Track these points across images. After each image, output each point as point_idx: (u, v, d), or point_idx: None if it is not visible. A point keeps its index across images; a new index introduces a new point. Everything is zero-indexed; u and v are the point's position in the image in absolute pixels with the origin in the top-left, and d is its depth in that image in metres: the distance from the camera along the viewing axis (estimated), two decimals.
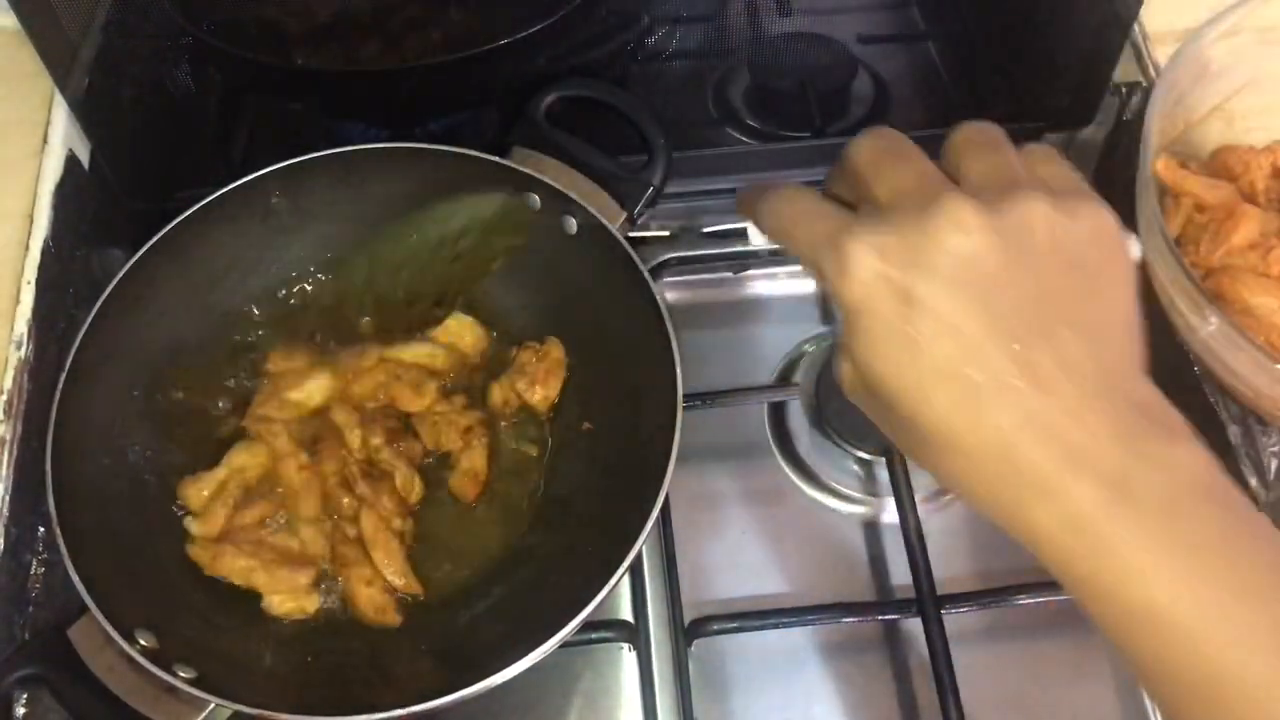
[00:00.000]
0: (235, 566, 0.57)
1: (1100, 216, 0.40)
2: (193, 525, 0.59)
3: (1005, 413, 0.37)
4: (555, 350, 0.64)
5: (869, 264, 0.38)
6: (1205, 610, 0.35)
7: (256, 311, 0.66)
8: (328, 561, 0.59)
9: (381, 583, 0.58)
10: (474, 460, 0.62)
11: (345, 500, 0.60)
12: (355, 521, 0.59)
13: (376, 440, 0.61)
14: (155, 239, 0.60)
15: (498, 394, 0.64)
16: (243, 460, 0.60)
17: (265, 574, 0.57)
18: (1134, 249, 0.42)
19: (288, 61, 0.72)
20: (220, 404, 0.64)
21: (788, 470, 0.68)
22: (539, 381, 0.63)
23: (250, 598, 0.58)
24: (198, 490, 0.59)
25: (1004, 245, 0.38)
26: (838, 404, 0.68)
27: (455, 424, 0.62)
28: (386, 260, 0.67)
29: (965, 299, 0.37)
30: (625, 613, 0.62)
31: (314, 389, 0.63)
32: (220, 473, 0.60)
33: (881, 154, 0.42)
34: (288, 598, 0.58)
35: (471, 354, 0.66)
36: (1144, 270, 0.62)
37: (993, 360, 0.37)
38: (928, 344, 0.37)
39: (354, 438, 0.62)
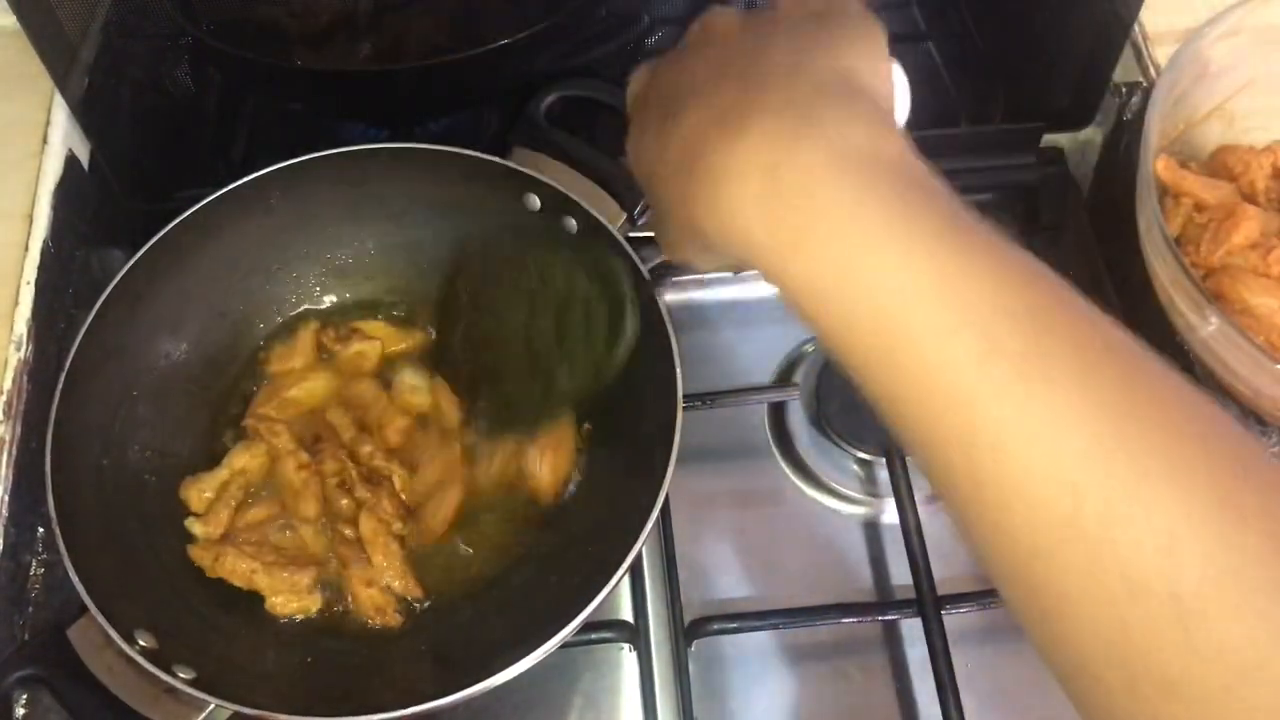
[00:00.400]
0: (237, 568, 0.57)
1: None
2: (195, 527, 0.59)
3: (696, 114, 0.40)
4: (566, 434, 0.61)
5: (633, 80, 0.48)
6: (860, 276, 0.35)
7: (258, 310, 0.66)
8: (329, 561, 0.59)
9: (381, 584, 0.58)
10: (441, 510, 0.60)
11: (344, 501, 0.60)
12: (355, 523, 0.59)
13: (368, 448, 0.61)
14: (155, 239, 0.60)
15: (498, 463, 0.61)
16: (244, 461, 0.60)
17: (267, 575, 0.57)
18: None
19: (288, 61, 0.72)
20: (220, 404, 0.64)
21: (787, 470, 0.68)
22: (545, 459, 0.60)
23: (250, 598, 0.58)
24: (199, 491, 0.59)
25: (739, 19, 0.44)
26: (838, 404, 0.68)
27: (434, 461, 0.61)
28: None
29: (699, 61, 0.43)
30: (625, 613, 0.62)
31: (313, 388, 0.63)
32: (222, 474, 0.60)
33: None
34: (290, 598, 0.57)
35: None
36: (1142, 268, 0.62)
37: (713, 84, 0.41)
38: (667, 100, 0.43)
39: (350, 438, 0.61)
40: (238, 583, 0.57)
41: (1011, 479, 0.32)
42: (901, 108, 0.48)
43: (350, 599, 0.58)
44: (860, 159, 0.37)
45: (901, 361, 0.34)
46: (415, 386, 0.64)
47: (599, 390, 0.56)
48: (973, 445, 0.33)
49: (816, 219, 0.36)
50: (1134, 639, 0.30)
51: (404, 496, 0.61)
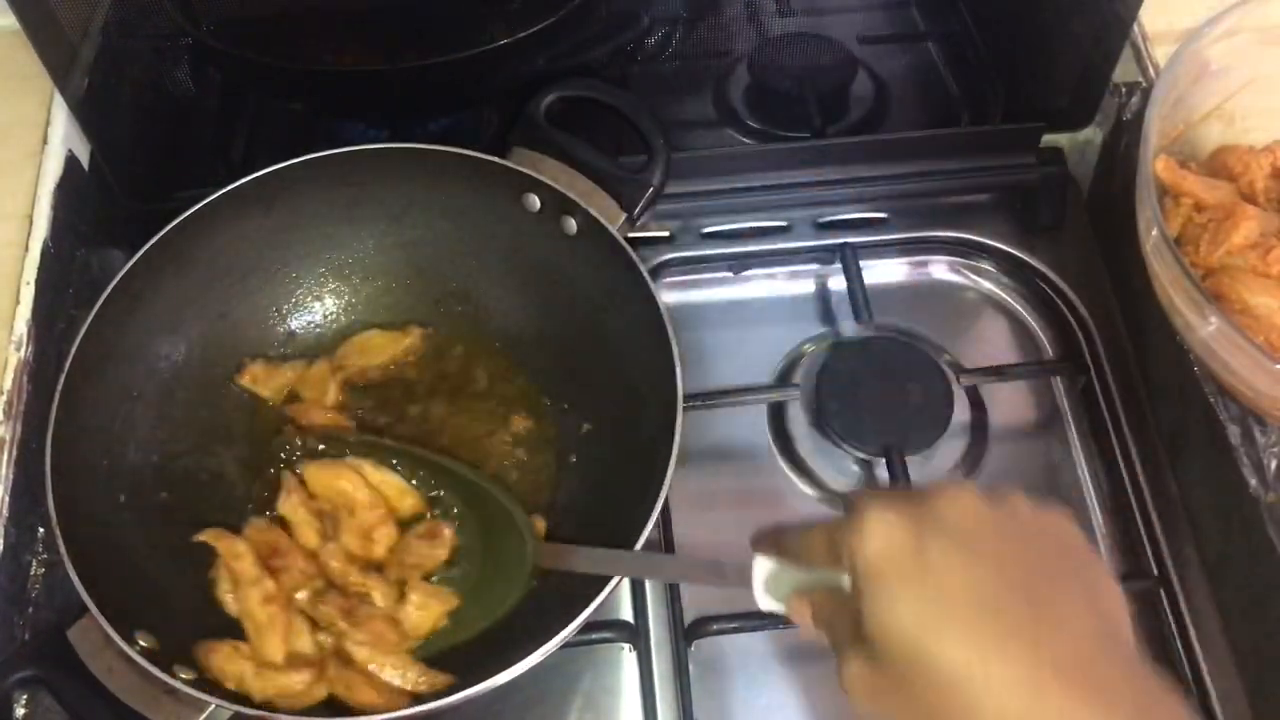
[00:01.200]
0: (226, 669, 0.53)
1: (1067, 521, 0.43)
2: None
3: (1025, 651, 0.37)
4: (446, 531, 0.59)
5: (883, 529, 0.40)
6: None
7: (257, 310, 0.66)
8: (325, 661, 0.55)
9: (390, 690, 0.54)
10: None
11: (322, 609, 0.56)
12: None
13: (337, 562, 0.57)
14: (155, 239, 0.60)
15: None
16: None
17: (260, 680, 0.53)
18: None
19: (287, 61, 0.72)
20: (219, 406, 0.64)
21: (787, 471, 0.68)
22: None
23: None
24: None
25: (995, 521, 0.41)
26: (838, 404, 0.68)
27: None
28: None
29: (976, 555, 0.40)
30: (626, 613, 0.62)
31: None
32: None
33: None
34: (294, 701, 0.53)
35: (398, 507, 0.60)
36: (1142, 268, 0.62)
37: (1007, 602, 0.39)
38: (948, 585, 0.39)
39: (310, 535, 0.58)
40: (230, 685, 0.52)
41: None
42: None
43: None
44: None
45: None
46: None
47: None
48: None
49: None
50: None
51: (391, 614, 0.56)
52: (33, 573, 0.58)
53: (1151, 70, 0.73)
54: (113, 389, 0.59)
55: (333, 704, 0.53)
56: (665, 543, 0.63)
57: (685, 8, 0.84)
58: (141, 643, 0.50)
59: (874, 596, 0.40)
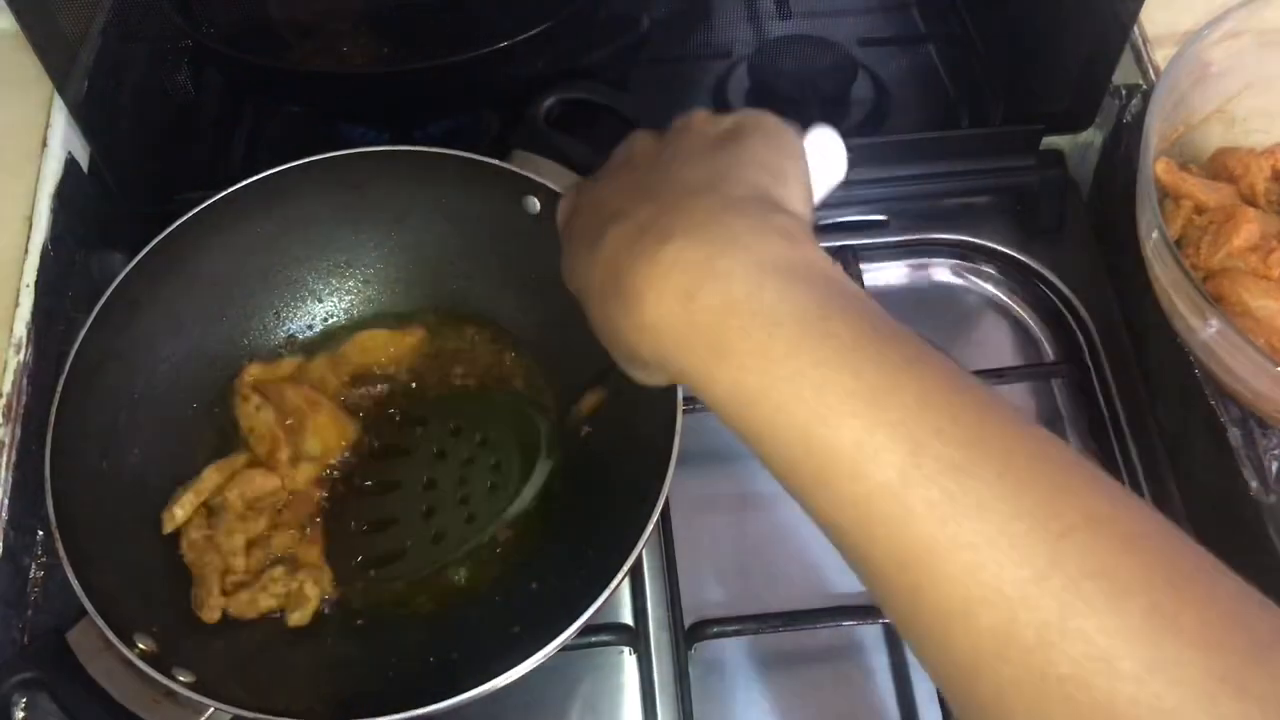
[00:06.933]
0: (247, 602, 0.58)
1: (752, 113, 0.47)
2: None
3: (615, 237, 0.41)
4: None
5: (566, 199, 0.50)
6: (782, 387, 0.35)
7: (257, 313, 0.66)
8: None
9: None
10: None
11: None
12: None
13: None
14: (155, 242, 0.60)
15: (280, 539, 0.61)
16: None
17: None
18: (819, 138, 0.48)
19: (287, 64, 0.72)
20: (219, 408, 0.64)
21: None
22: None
23: None
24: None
25: (659, 147, 0.46)
26: None
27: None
28: None
29: (612, 184, 0.46)
30: (626, 616, 0.62)
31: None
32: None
33: None
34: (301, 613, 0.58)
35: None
36: (1142, 270, 0.62)
37: (627, 199, 0.43)
38: (578, 226, 0.45)
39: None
40: (251, 615, 0.58)
41: (948, 600, 0.32)
42: (837, 168, 0.48)
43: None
44: (776, 273, 0.37)
45: (831, 481, 0.34)
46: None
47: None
48: (906, 566, 0.33)
49: (735, 337, 0.36)
50: None
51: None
52: (32, 576, 0.58)
53: (1152, 72, 0.73)
54: (112, 391, 0.59)
55: (333, 704, 0.52)
56: (665, 543, 0.63)
57: (685, 10, 0.84)
58: (141, 645, 0.50)
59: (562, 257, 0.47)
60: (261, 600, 0.58)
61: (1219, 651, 0.29)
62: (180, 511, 0.59)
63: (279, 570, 0.59)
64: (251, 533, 0.59)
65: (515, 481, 0.57)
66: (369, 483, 0.61)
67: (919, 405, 0.34)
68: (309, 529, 0.60)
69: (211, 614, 0.57)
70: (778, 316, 0.36)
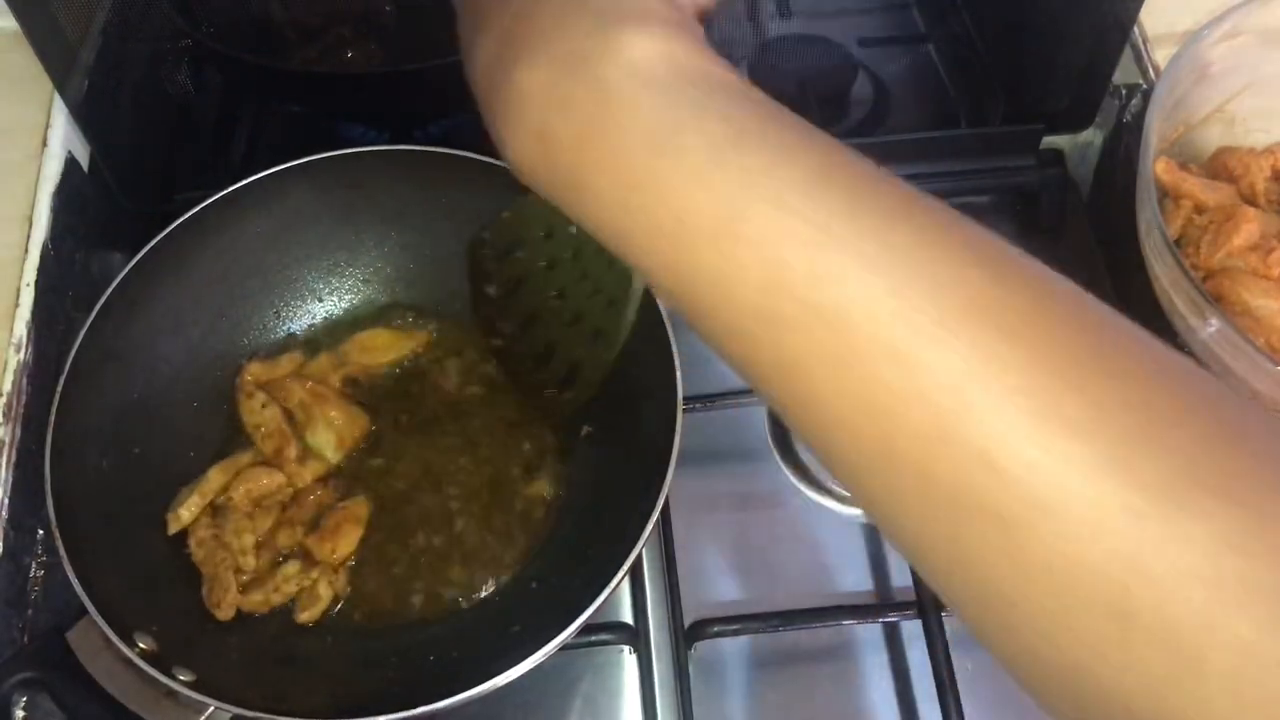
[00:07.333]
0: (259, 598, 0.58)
1: None
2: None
3: (485, 42, 0.37)
4: (360, 509, 0.61)
5: None
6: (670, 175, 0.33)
7: (257, 312, 0.66)
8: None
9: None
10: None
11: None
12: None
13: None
14: (155, 242, 0.60)
15: (284, 536, 0.60)
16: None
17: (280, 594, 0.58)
18: None
19: (287, 64, 0.72)
20: (219, 408, 0.64)
21: (788, 473, 0.68)
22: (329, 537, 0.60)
23: None
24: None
25: None
26: None
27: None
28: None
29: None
30: (626, 615, 0.62)
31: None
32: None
33: None
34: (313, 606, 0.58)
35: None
36: (1142, 270, 0.62)
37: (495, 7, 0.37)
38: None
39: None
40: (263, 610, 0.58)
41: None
42: None
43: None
44: (629, 91, 0.33)
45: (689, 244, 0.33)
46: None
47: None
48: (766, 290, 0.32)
49: (591, 174, 0.34)
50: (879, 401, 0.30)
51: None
52: (32, 575, 0.58)
53: (1152, 72, 0.73)
54: (112, 391, 0.59)
55: (333, 703, 0.52)
56: (665, 543, 0.63)
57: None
58: (141, 645, 0.50)
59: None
60: (274, 597, 0.58)
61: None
62: (186, 513, 0.59)
63: (292, 567, 0.59)
64: (259, 531, 0.59)
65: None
66: (513, 328, 0.57)
67: (807, 181, 0.34)
68: (321, 524, 0.60)
69: (228, 612, 0.57)
70: (630, 145, 0.33)
